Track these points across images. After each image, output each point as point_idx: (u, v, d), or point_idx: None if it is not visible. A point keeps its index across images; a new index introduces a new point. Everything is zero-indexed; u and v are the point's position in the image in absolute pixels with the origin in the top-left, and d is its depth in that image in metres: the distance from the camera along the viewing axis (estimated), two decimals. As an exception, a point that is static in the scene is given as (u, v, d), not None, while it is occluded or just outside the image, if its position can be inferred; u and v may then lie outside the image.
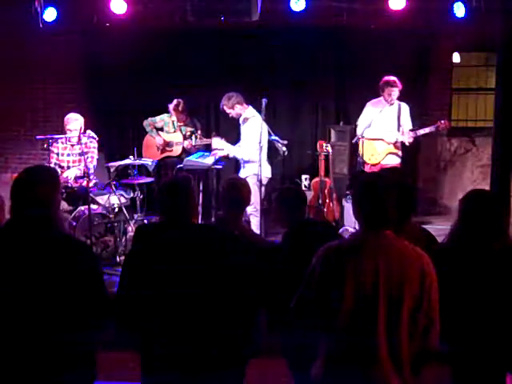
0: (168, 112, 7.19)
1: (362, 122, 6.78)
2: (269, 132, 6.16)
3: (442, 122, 6.70)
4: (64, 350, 2.41)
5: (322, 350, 2.51)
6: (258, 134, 5.90)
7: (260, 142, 5.86)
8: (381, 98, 6.70)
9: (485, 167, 7.91)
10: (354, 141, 6.82)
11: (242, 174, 6.06)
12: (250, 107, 6.21)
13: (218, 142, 6.30)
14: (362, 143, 6.62)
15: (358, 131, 6.73)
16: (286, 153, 6.37)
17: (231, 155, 6.32)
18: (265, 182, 6.04)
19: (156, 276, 2.61)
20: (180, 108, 7.05)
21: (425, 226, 3.63)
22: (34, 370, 2.38)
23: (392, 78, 6.57)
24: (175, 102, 7.08)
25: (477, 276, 2.73)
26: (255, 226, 5.93)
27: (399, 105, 6.68)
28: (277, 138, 6.29)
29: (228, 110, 6.20)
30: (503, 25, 5.28)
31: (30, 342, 2.37)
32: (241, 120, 6.20)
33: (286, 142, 6.34)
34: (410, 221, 3.07)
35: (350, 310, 2.39)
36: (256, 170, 5.92)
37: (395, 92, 6.56)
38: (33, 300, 2.37)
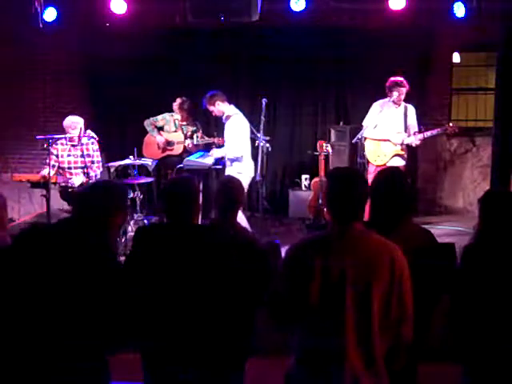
0: (170, 111, 7.20)
1: (369, 123, 6.69)
2: (251, 130, 6.15)
3: (451, 125, 6.67)
4: (83, 352, 2.40)
5: (294, 345, 2.49)
6: (242, 131, 5.90)
7: (251, 138, 5.87)
8: (387, 99, 6.62)
9: (485, 167, 7.92)
10: (353, 141, 6.78)
11: (227, 172, 6.05)
12: (232, 106, 6.21)
13: (217, 152, 6.30)
14: (362, 144, 6.58)
15: (365, 133, 6.68)
16: (270, 149, 6.36)
17: (228, 157, 6.30)
18: (249, 180, 6.04)
19: (156, 277, 2.61)
20: (186, 106, 7.08)
21: (425, 226, 3.62)
22: (53, 371, 2.38)
23: (399, 78, 6.51)
24: (180, 100, 7.09)
25: (501, 276, 2.71)
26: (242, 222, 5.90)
27: (405, 106, 6.61)
28: (259, 134, 6.29)
29: (210, 108, 6.21)
30: (503, 25, 5.28)
31: (51, 343, 2.35)
32: (223, 118, 6.21)
33: (268, 138, 6.34)
34: (408, 221, 3.06)
35: (316, 306, 2.37)
36: (240, 168, 5.93)
37: (403, 92, 6.50)
38: (54, 303, 2.35)
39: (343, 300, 2.35)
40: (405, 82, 6.51)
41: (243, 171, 5.93)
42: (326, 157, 7.23)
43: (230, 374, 2.76)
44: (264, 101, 5.96)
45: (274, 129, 8.14)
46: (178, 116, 7.14)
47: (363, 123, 6.73)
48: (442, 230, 6.95)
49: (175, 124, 7.18)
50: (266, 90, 7.39)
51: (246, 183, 5.83)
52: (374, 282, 2.35)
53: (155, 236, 2.80)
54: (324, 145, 7.19)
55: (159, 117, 7.21)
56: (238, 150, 5.99)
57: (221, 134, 6.52)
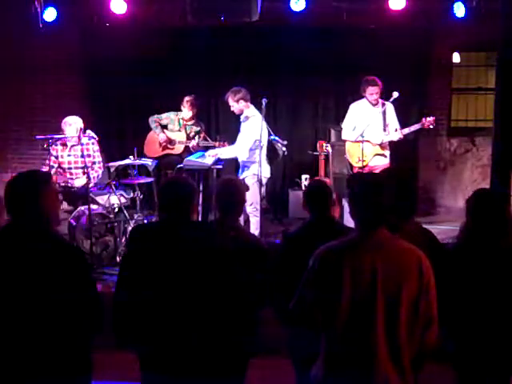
0: (175, 110, 7.16)
1: (347, 126, 6.65)
2: (269, 132, 6.16)
3: (428, 119, 6.53)
4: (59, 353, 2.42)
5: (322, 350, 2.50)
6: (256, 134, 5.91)
7: (260, 142, 5.87)
8: (364, 99, 6.59)
9: (485, 167, 7.92)
10: (355, 139, 6.76)
11: (243, 173, 6.08)
12: (252, 106, 6.20)
13: (211, 152, 6.31)
14: (357, 144, 6.54)
15: (344, 135, 6.65)
16: (286, 153, 6.37)
17: (223, 157, 6.30)
18: (264, 182, 6.05)
19: (154, 276, 2.60)
20: (195, 102, 7.00)
21: (425, 226, 3.62)
22: (29, 373, 2.39)
23: (371, 76, 6.46)
24: (189, 97, 6.90)
25: (488, 275, 2.75)
26: (254, 225, 5.94)
27: (384, 104, 6.53)
28: (277, 137, 6.29)
29: (231, 103, 6.15)
30: (503, 25, 5.27)
31: (25, 345, 2.38)
32: (242, 117, 6.20)
33: (285, 143, 6.34)
34: (411, 221, 3.07)
35: (347, 310, 2.38)
36: (256, 169, 5.93)
37: (377, 91, 6.43)
38: (26, 303, 2.38)
39: (374, 303, 2.36)
40: (377, 80, 6.44)
41: (258, 173, 5.93)
42: (326, 157, 7.23)
43: (230, 376, 2.75)
44: (264, 101, 5.96)
45: (274, 129, 8.11)
46: (182, 115, 7.10)
47: (342, 125, 6.70)
48: (442, 230, 6.95)
49: (179, 123, 7.15)
50: (265, 89, 7.38)
51: (258, 186, 5.84)
52: (404, 287, 2.37)
53: (152, 234, 2.79)
54: (324, 145, 7.18)
55: (164, 115, 7.18)
56: (246, 152, 6.01)
57: (221, 133, 6.50)
